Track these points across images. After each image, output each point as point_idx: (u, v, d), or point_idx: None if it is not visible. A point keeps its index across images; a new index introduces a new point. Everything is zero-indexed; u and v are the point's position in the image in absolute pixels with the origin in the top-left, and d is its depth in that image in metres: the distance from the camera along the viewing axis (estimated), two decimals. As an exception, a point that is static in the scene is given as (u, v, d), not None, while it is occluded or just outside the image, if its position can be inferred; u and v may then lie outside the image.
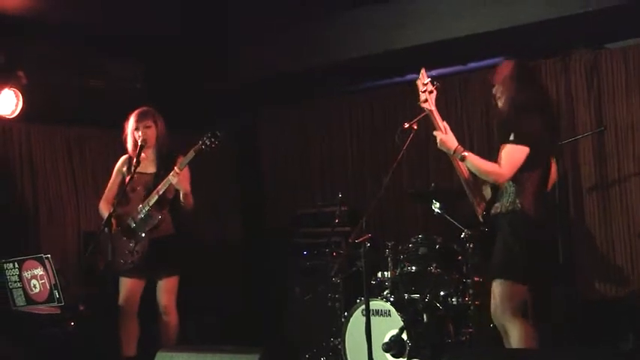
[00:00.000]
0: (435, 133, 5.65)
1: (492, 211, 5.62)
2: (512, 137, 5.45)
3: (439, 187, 7.47)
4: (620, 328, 7.23)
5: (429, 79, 5.60)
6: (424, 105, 5.58)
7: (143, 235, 6.81)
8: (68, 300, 6.82)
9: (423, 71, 5.65)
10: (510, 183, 5.47)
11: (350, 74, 8.86)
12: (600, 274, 7.74)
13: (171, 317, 6.93)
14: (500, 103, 5.72)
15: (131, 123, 6.92)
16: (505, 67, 5.72)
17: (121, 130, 7.02)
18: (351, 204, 8.48)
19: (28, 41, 7.83)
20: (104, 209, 6.93)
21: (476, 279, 6.82)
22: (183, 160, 6.71)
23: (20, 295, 6.95)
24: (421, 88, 5.59)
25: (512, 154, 5.45)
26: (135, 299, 6.95)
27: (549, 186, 5.70)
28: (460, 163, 5.57)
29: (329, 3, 7.83)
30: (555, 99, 7.84)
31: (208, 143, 6.71)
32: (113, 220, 6.59)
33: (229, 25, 8.27)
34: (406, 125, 5.67)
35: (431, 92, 5.59)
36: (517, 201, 5.48)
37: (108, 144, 8.25)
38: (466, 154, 5.55)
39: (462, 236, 7.02)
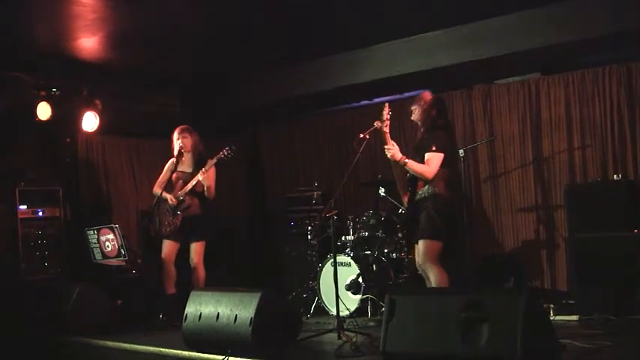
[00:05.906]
0: (385, 147, 5.53)
1: (417, 197, 5.55)
2: (434, 148, 5.43)
3: (383, 178, 7.44)
4: (505, 274, 7.30)
5: (389, 109, 5.53)
6: (385, 129, 5.49)
7: (179, 213, 6.81)
8: (130, 255, 6.92)
9: (386, 104, 5.57)
10: None
11: (323, 101, 8.78)
12: (492, 237, 7.74)
13: (199, 270, 6.88)
14: (421, 125, 5.66)
15: (175, 136, 6.93)
16: (425, 101, 5.64)
17: (167, 140, 7.01)
18: (324, 190, 8.40)
19: (103, 79, 7.80)
20: (156, 191, 6.92)
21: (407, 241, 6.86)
22: (208, 164, 6.73)
23: (98, 252, 7.03)
24: (385, 116, 5.50)
25: (435, 159, 5.43)
26: (172, 254, 6.91)
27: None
28: (397, 166, 5.51)
29: (306, 53, 7.78)
30: (461, 117, 7.90)
31: (226, 154, 6.73)
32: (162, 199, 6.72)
33: (236, 67, 8.20)
34: (361, 135, 5.65)
35: (388, 120, 5.51)
36: (435, 188, 5.46)
37: (156, 150, 8.21)
38: (407, 161, 5.47)
39: (399, 212, 7.08)
